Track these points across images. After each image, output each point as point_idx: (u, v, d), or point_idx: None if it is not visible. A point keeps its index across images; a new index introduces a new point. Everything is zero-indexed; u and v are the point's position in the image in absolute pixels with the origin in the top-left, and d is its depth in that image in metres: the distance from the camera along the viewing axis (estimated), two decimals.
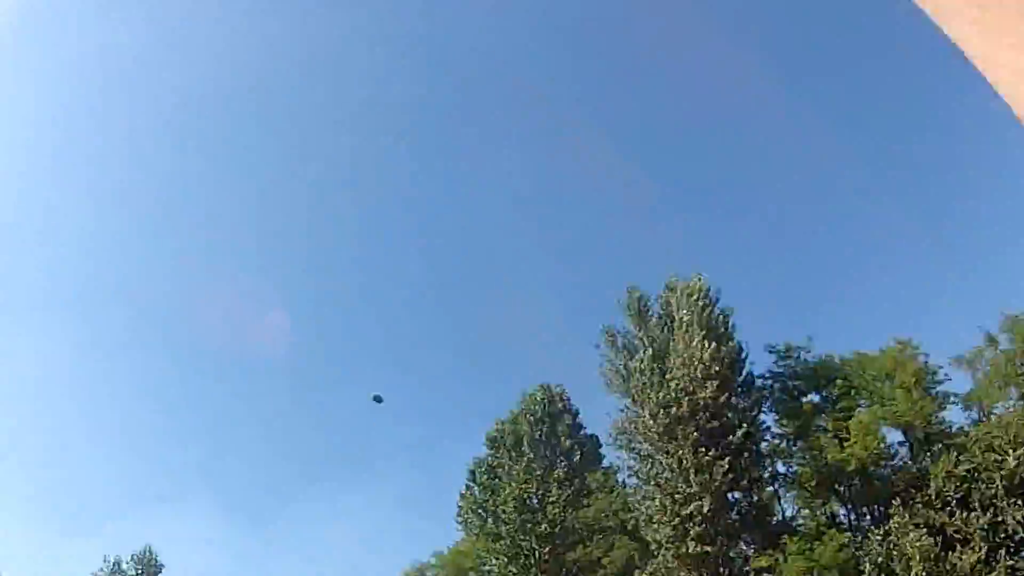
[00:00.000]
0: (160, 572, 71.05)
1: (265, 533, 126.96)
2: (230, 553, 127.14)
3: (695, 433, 46.60)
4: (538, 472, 58.52)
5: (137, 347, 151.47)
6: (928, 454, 45.28)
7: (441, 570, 58.02)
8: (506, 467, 60.57)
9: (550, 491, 57.38)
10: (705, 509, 45.24)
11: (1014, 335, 45.53)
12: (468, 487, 63.54)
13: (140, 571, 70.03)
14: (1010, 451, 40.40)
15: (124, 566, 70.42)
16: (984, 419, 45.95)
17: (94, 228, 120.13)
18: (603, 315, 53.84)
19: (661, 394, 47.74)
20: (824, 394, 51.02)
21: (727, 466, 45.44)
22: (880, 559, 40.93)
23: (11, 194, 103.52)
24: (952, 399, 47.81)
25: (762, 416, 51.04)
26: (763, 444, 50.62)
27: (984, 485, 40.73)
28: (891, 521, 42.04)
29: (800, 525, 48.79)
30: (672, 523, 46.11)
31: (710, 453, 45.82)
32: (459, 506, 63.48)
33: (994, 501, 40.12)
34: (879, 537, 42.14)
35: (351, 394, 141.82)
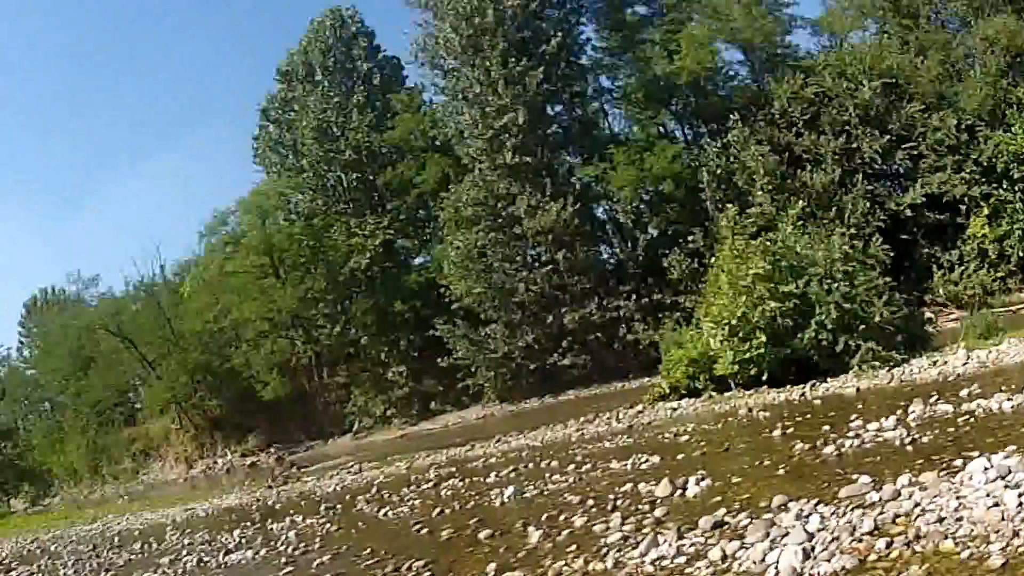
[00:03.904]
0: None
1: (71, 220, 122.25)
2: (38, 249, 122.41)
3: (503, 43, 44.12)
4: (336, 99, 55.42)
5: None
6: (772, 75, 43.52)
7: (245, 215, 55.44)
8: (301, 100, 57.13)
9: (351, 117, 54.61)
10: (520, 120, 43.86)
11: None
12: (262, 126, 60.22)
13: None
14: (865, 81, 38.79)
15: None
16: (836, 48, 43.92)
17: None
18: None
19: (462, 4, 44.40)
20: (651, 6, 47.97)
21: (541, 76, 43.60)
22: (719, 170, 40.21)
23: None
24: (799, 23, 46.01)
25: (581, 28, 48.37)
26: (584, 57, 48.37)
27: (835, 111, 39.23)
28: (729, 135, 40.81)
29: (630, 139, 47.07)
30: (485, 136, 44.96)
31: (521, 63, 43.64)
32: (255, 148, 60.44)
33: (847, 128, 38.84)
34: (717, 149, 41.30)
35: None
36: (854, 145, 38.59)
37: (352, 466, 31.43)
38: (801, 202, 28.90)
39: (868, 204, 37.10)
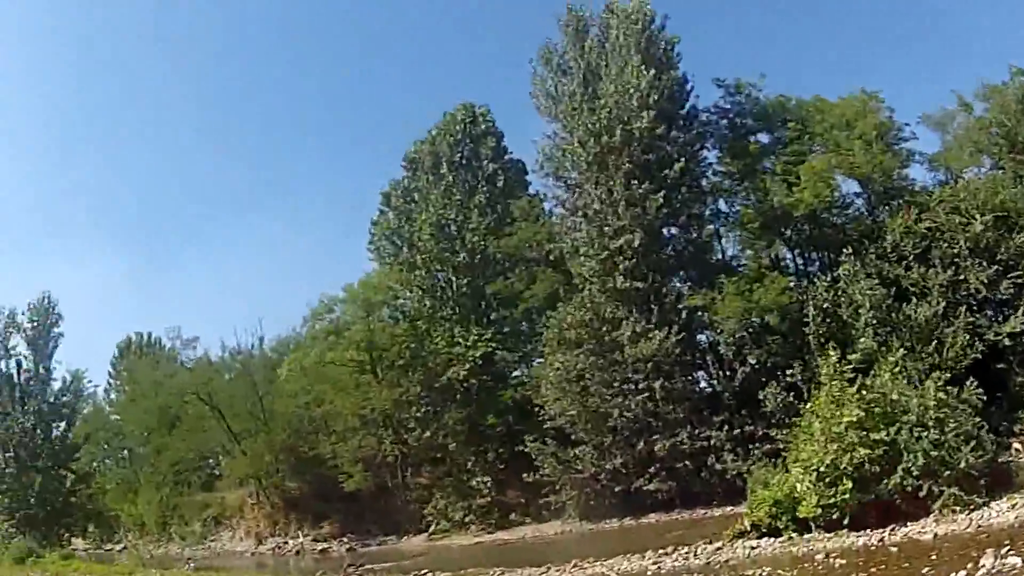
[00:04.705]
0: (58, 322, 69.28)
1: (170, 269, 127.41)
2: (134, 292, 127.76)
3: (628, 164, 44.72)
4: (458, 197, 56.81)
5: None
6: (887, 208, 43.76)
7: (351, 305, 56.76)
8: (424, 191, 58.69)
9: (470, 217, 55.95)
10: (636, 243, 44.17)
11: (991, 104, 43.06)
12: (382, 212, 61.89)
13: (36, 323, 68.11)
14: (977, 215, 38.62)
15: (19, 318, 68.45)
16: (951, 182, 43.80)
17: None
18: (540, 35, 49.96)
19: (592, 121, 45.38)
20: (774, 136, 48.35)
21: (662, 200, 43.98)
22: (826, 304, 39.87)
23: None
24: (916, 157, 45.90)
25: (704, 152, 48.90)
26: (704, 181, 48.74)
27: (946, 244, 39.17)
28: (840, 268, 40.84)
29: (741, 266, 47.47)
30: (600, 256, 45.33)
31: (644, 186, 44.21)
32: (372, 233, 61.98)
33: (956, 260, 38.73)
34: (826, 283, 41.14)
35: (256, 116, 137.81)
36: (961, 277, 38.43)
37: (426, 573, 31.94)
38: (902, 350, 28.93)
39: (968, 336, 36.51)
